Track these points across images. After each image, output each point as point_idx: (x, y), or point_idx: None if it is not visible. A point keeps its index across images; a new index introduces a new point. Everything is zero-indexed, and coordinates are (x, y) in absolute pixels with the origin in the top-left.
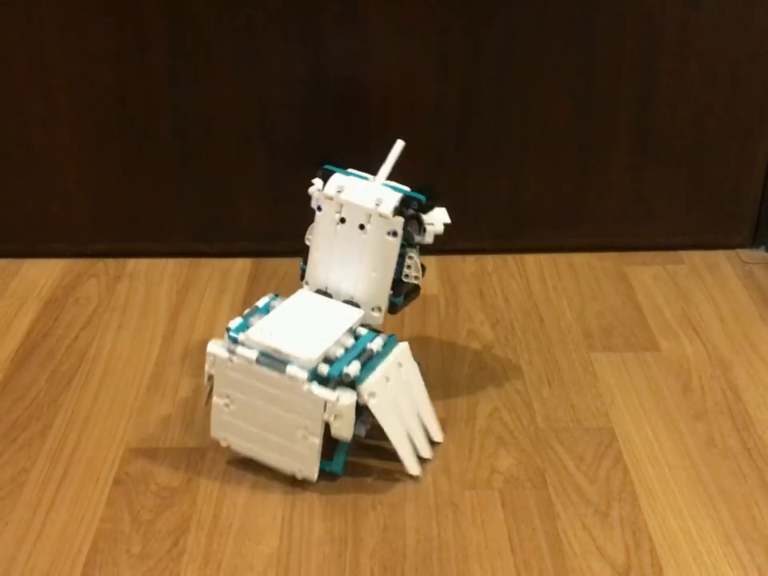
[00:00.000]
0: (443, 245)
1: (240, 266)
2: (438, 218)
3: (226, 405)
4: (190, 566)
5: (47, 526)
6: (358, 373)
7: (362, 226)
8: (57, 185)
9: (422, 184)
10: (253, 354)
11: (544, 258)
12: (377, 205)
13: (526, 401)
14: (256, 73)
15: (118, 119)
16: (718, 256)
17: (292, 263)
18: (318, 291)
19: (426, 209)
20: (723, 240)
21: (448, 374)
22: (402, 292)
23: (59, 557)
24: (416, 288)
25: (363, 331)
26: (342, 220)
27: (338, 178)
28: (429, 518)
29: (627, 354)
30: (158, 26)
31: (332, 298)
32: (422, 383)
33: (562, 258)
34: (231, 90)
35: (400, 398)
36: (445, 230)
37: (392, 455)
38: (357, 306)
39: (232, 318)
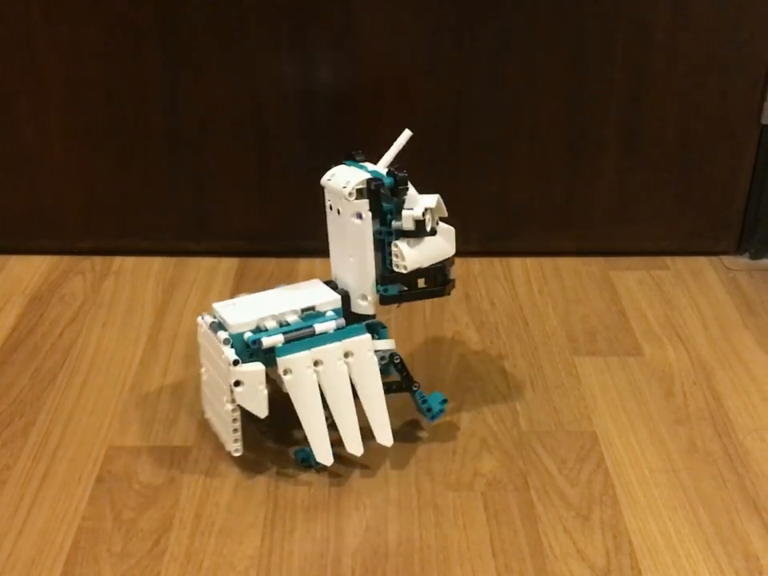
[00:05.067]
0: None
1: (227, 265)
2: (421, 203)
3: (203, 374)
4: (171, 565)
5: (29, 523)
6: (279, 345)
7: (339, 211)
8: (45, 182)
9: (394, 169)
10: (209, 320)
11: (530, 262)
12: (343, 187)
13: (509, 403)
14: (248, 71)
15: (107, 117)
16: (703, 262)
17: (279, 263)
18: (330, 281)
19: (394, 193)
20: (708, 246)
21: (433, 376)
22: (391, 282)
23: (40, 554)
24: (435, 288)
25: (330, 314)
26: (331, 207)
27: (336, 168)
28: (411, 520)
29: (611, 358)
30: (149, 23)
31: (337, 288)
32: (377, 380)
33: (547, 262)
34: (222, 88)
35: (332, 385)
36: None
37: (376, 454)
38: (347, 294)
39: None
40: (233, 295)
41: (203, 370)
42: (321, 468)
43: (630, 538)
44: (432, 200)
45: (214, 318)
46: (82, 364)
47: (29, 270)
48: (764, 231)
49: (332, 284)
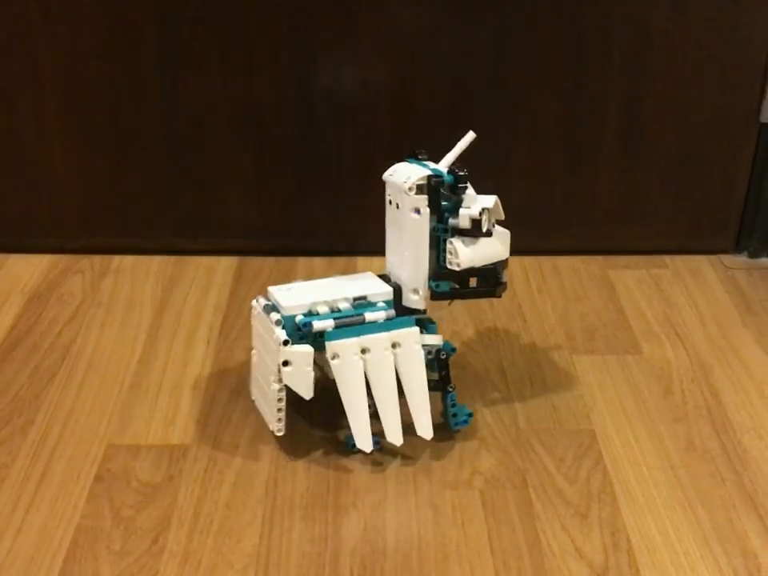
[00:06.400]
0: None
1: (225, 264)
2: (478, 203)
3: (254, 355)
4: (169, 563)
5: (27, 521)
6: (329, 329)
7: (398, 206)
8: (44, 181)
9: (454, 167)
10: (263, 302)
11: (529, 260)
12: (404, 182)
13: (508, 402)
14: (246, 71)
15: (107, 116)
16: (701, 261)
17: (278, 261)
18: (383, 275)
19: (453, 191)
20: (707, 245)
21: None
22: (444, 279)
23: (39, 552)
24: (486, 288)
25: (381, 305)
26: (390, 202)
27: (398, 165)
28: (409, 518)
29: (609, 356)
30: (148, 22)
31: (390, 281)
32: (422, 373)
33: (546, 261)
34: (221, 87)
35: (377, 374)
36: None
37: (374, 453)
38: (399, 288)
39: (216, 315)
40: (231, 295)
41: (254, 352)
42: (357, 451)
43: (629, 536)
44: (490, 201)
45: (269, 300)
46: (81, 363)
47: (28, 268)
48: (762, 230)
49: (385, 278)
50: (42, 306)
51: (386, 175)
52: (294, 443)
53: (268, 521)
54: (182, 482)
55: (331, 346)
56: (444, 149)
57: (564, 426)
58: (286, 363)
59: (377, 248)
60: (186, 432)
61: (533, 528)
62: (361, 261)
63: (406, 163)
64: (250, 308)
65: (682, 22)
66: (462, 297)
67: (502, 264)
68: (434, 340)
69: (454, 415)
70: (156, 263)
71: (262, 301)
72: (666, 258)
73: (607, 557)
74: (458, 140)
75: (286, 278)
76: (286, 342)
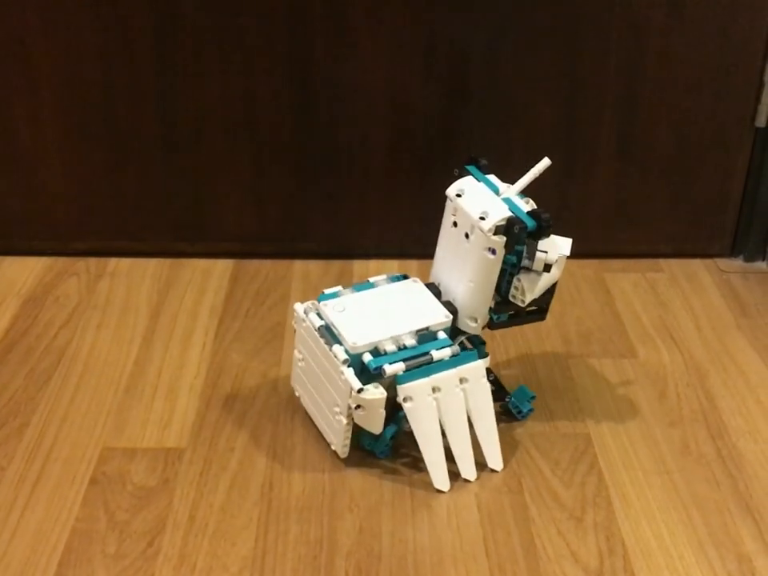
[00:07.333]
0: (424, 249)
1: (222, 267)
2: (555, 247)
3: (300, 360)
4: (164, 567)
5: (22, 524)
6: (400, 373)
7: (467, 235)
8: (40, 183)
9: (538, 210)
10: (317, 323)
11: None
12: (481, 218)
13: (503, 405)
14: (243, 73)
15: (103, 118)
16: (697, 265)
17: (274, 265)
18: (431, 284)
19: (533, 236)
20: (702, 249)
21: None
22: (505, 311)
23: (34, 555)
24: (537, 312)
25: (441, 336)
26: (455, 224)
27: (464, 182)
28: (404, 521)
29: (605, 360)
30: (144, 24)
31: (441, 293)
32: (491, 406)
33: None
34: (218, 89)
35: (449, 412)
36: (428, 234)
37: (369, 456)
38: (455, 309)
39: (212, 318)
40: (227, 298)
41: (299, 355)
42: (384, 457)
43: (624, 540)
44: (567, 247)
45: (321, 318)
46: (77, 365)
47: (23, 271)
48: (758, 233)
49: (434, 288)
50: (38, 308)
51: (452, 193)
52: (290, 445)
53: (263, 524)
54: (178, 485)
55: (404, 390)
56: (443, 149)
57: (560, 430)
58: (358, 407)
59: (373, 251)
60: (182, 435)
61: (528, 532)
62: (357, 264)
63: (473, 181)
64: (295, 311)
65: (678, 27)
66: (516, 325)
67: (554, 287)
68: (486, 364)
69: (519, 412)
70: (152, 266)
71: (313, 317)
72: (662, 262)
73: (602, 561)
74: (454, 141)
75: (282, 281)
76: (360, 390)
